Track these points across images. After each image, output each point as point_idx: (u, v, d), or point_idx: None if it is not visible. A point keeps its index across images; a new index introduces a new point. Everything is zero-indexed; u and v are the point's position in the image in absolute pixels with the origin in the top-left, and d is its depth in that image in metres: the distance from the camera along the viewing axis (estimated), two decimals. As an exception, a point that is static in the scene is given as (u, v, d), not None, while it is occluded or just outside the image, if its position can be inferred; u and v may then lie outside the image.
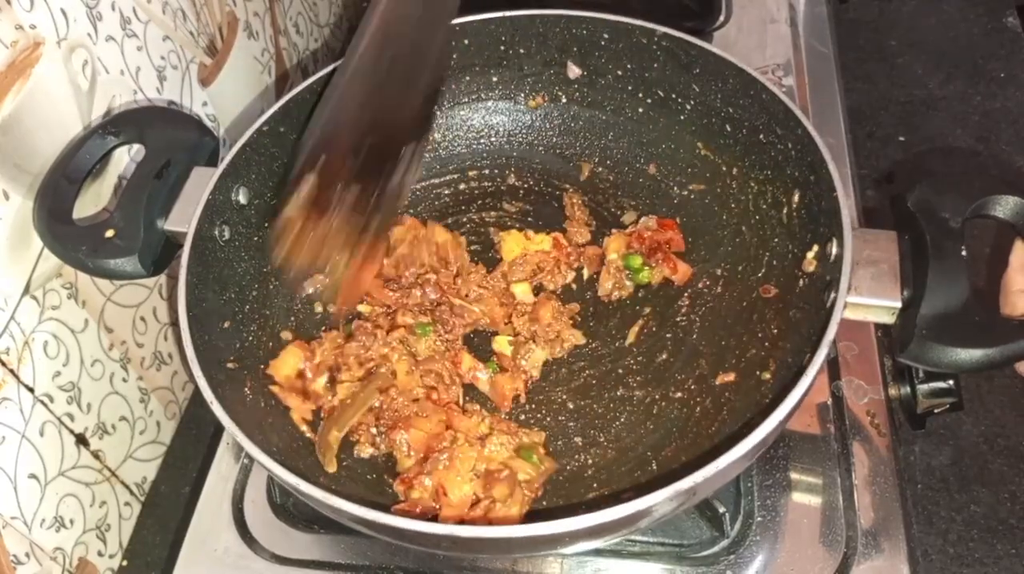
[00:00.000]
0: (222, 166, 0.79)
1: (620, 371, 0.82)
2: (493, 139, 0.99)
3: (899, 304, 0.65)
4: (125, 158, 0.85)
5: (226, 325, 0.78)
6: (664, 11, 1.22)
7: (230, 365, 0.75)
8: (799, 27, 1.21)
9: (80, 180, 0.76)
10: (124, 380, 0.88)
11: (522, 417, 0.80)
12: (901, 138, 1.21)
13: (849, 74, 1.18)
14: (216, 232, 0.79)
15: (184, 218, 0.76)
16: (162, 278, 0.93)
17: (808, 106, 1.10)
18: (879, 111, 1.25)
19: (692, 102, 0.88)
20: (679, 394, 0.79)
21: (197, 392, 0.66)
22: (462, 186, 0.98)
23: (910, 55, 1.31)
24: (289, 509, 0.82)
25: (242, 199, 0.82)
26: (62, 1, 0.74)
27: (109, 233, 0.74)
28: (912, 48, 1.32)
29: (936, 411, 0.82)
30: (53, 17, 0.74)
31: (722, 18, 1.20)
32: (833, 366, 0.87)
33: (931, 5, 1.38)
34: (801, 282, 0.76)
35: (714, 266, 0.87)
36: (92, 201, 0.82)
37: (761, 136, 0.81)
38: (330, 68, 0.87)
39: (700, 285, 0.86)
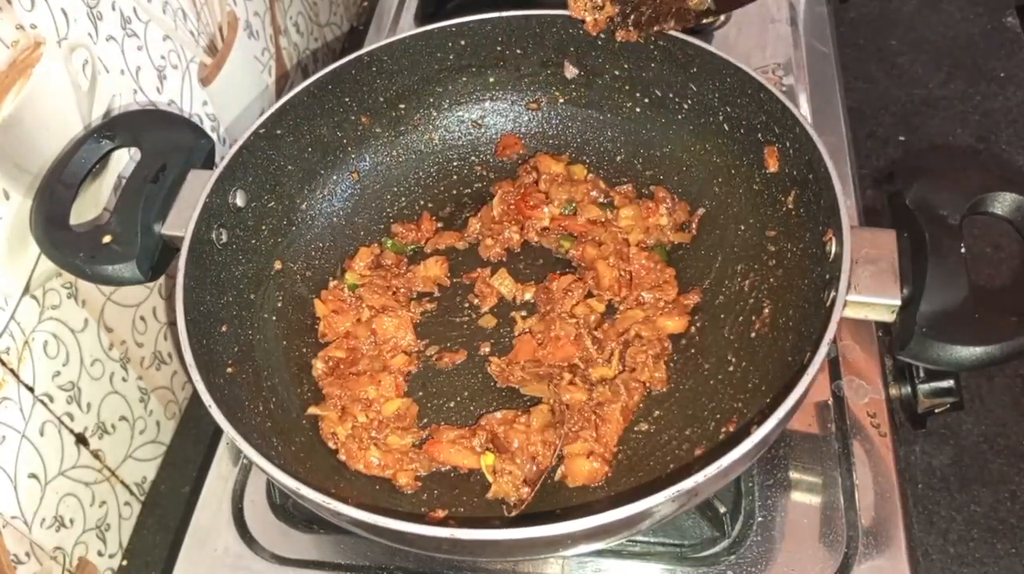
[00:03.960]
0: (219, 169, 0.78)
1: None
2: (490, 140, 0.99)
3: (899, 302, 0.65)
4: (125, 158, 0.85)
5: (224, 329, 0.78)
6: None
7: (229, 369, 0.75)
8: (799, 27, 1.20)
9: (76, 185, 0.75)
10: (124, 380, 0.88)
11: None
12: (901, 138, 1.21)
13: (849, 74, 1.18)
14: (213, 235, 0.79)
15: (181, 222, 0.76)
16: (161, 278, 0.93)
17: (808, 106, 1.10)
18: (879, 111, 1.25)
19: (689, 101, 0.88)
20: (680, 394, 0.79)
21: (197, 392, 0.67)
22: (460, 187, 0.98)
23: (910, 55, 1.31)
24: (289, 509, 0.82)
25: (239, 202, 0.82)
26: (63, 1, 0.74)
27: (106, 239, 0.74)
28: (912, 48, 1.32)
29: (937, 411, 0.82)
30: (54, 17, 0.74)
31: (722, 18, 1.20)
32: (834, 366, 0.87)
33: (931, 5, 1.38)
34: (800, 280, 0.76)
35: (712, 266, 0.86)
36: (92, 201, 0.82)
37: (759, 135, 0.81)
38: (330, 68, 0.87)
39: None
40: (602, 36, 0.88)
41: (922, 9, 1.38)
